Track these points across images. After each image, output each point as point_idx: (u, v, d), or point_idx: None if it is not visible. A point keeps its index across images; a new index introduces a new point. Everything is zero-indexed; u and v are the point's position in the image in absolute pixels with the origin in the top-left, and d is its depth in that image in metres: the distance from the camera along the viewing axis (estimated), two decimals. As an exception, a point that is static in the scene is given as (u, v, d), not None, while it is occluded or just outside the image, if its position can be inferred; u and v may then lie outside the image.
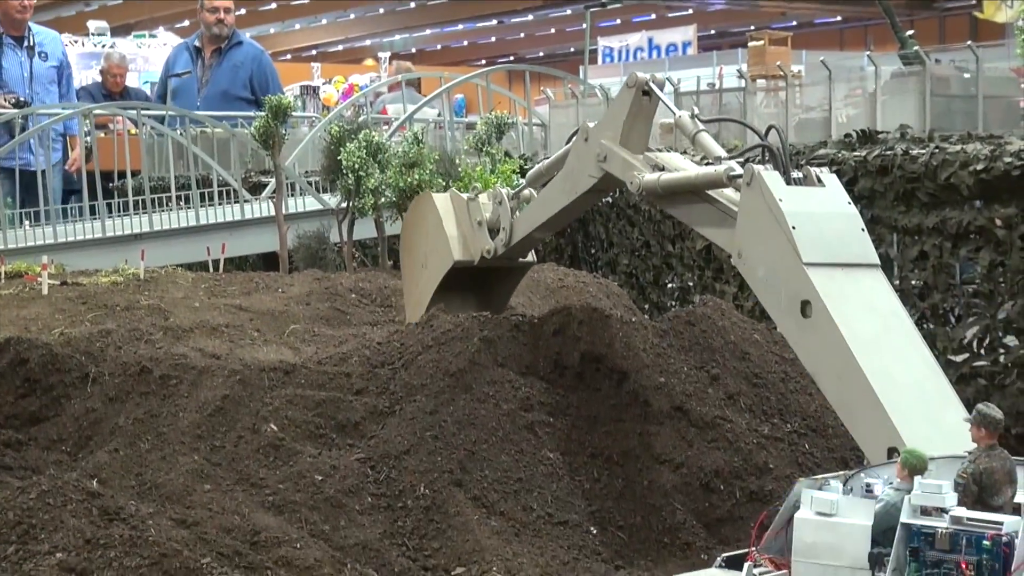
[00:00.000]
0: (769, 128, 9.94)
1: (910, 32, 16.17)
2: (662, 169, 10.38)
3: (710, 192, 9.97)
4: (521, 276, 12.83)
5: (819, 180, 9.55)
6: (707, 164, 10.11)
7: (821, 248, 9.13)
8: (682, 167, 10.40)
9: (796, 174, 9.50)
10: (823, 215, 9.30)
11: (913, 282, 12.76)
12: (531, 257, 12.57)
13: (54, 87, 20.21)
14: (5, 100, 18.96)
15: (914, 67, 13.91)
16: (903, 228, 12.51)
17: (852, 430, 8.81)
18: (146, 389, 10.80)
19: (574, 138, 11.36)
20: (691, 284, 14.57)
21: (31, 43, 19.91)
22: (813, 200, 9.37)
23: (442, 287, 12.19)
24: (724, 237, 9.92)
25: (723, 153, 10.20)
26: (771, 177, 9.32)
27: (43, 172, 17.18)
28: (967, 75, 13.30)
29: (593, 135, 10.98)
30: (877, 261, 9.38)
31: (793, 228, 9.07)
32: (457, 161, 15.91)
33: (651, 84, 10.71)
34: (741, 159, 9.92)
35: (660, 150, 10.97)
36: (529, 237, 11.83)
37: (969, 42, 13.77)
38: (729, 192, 9.86)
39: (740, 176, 9.53)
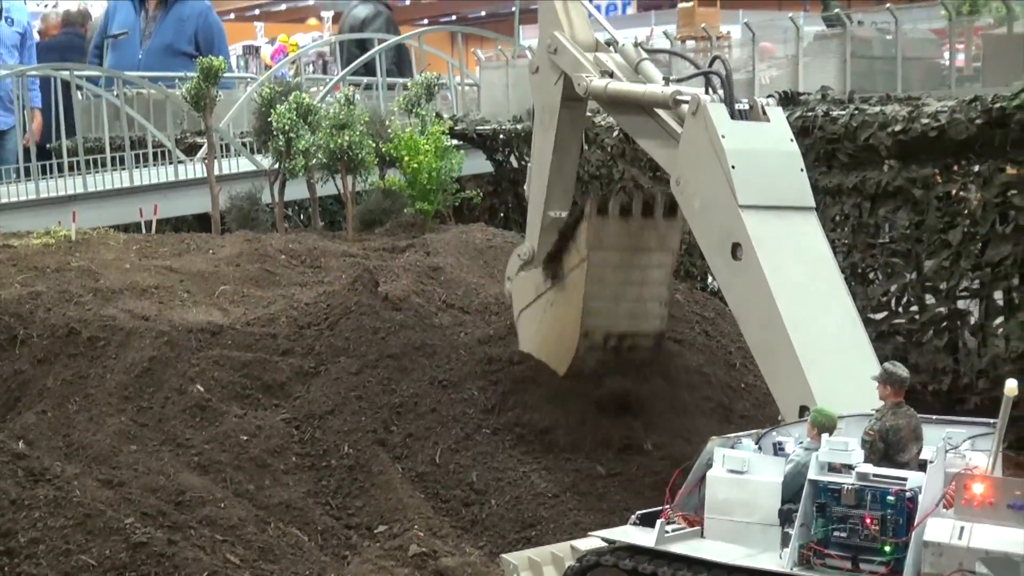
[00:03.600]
0: (714, 59, 9.83)
1: (834, -4, 16.28)
2: (611, 75, 10.24)
3: (656, 109, 9.83)
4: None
5: (764, 113, 9.44)
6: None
7: (758, 190, 9.07)
8: (645, 73, 10.27)
9: (742, 104, 9.37)
10: (764, 153, 9.24)
11: (838, 241, 12.82)
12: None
13: (17, 52, 20.20)
14: None
15: (836, 28, 13.96)
16: (824, 188, 12.57)
17: (769, 381, 8.89)
18: (74, 351, 10.81)
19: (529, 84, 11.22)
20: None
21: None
22: (756, 137, 9.28)
23: None
24: (664, 157, 9.82)
25: (645, 83, 10.08)
26: (716, 110, 9.21)
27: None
28: (888, 36, 13.36)
29: (539, 52, 10.91)
30: (812, 204, 9.36)
31: (733, 167, 9.00)
32: (387, 123, 15.93)
33: None
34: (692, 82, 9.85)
35: (610, 46, 10.77)
36: (551, 224, 11.22)
37: (888, 4, 13.77)
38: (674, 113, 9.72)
39: (686, 101, 9.39)
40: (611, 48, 10.66)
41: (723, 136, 9.05)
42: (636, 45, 10.41)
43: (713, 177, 9.08)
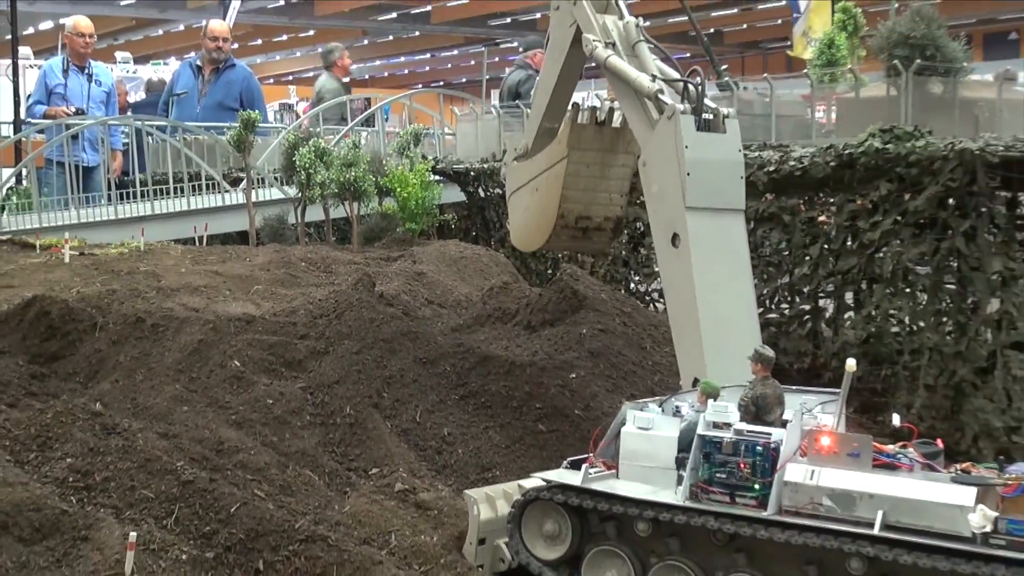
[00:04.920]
0: (692, 70, 9.24)
1: (725, 66, 16.28)
2: (614, 45, 9.48)
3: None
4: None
5: (723, 124, 8.88)
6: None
7: (704, 194, 8.65)
8: (639, 54, 9.52)
9: (708, 114, 8.85)
10: (716, 162, 8.74)
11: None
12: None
13: (103, 107, 20.15)
14: (68, 110, 19.07)
15: (726, 92, 13.99)
16: (716, 214, 12.58)
17: (677, 351, 8.75)
18: (141, 334, 10.78)
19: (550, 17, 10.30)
20: (559, 256, 14.58)
21: (90, 72, 20.00)
22: (712, 147, 8.75)
23: None
24: (639, 131, 9.23)
25: (655, 69, 9.35)
26: (686, 121, 8.68)
27: (70, 167, 17.02)
28: (766, 99, 13.39)
29: None
30: (743, 207, 8.97)
31: (688, 174, 8.57)
32: (384, 162, 15.95)
33: None
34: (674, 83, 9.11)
35: (620, 12, 9.86)
36: (545, 131, 10.55)
37: (766, 75, 13.84)
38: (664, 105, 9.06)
39: (666, 103, 8.83)
40: (619, 9, 9.89)
41: (687, 147, 8.62)
42: (637, 26, 9.61)
43: (671, 175, 8.69)
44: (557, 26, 10.19)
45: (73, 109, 19.29)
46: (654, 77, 9.17)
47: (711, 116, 8.91)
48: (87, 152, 18.87)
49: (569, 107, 10.14)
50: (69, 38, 19.97)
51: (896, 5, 12.71)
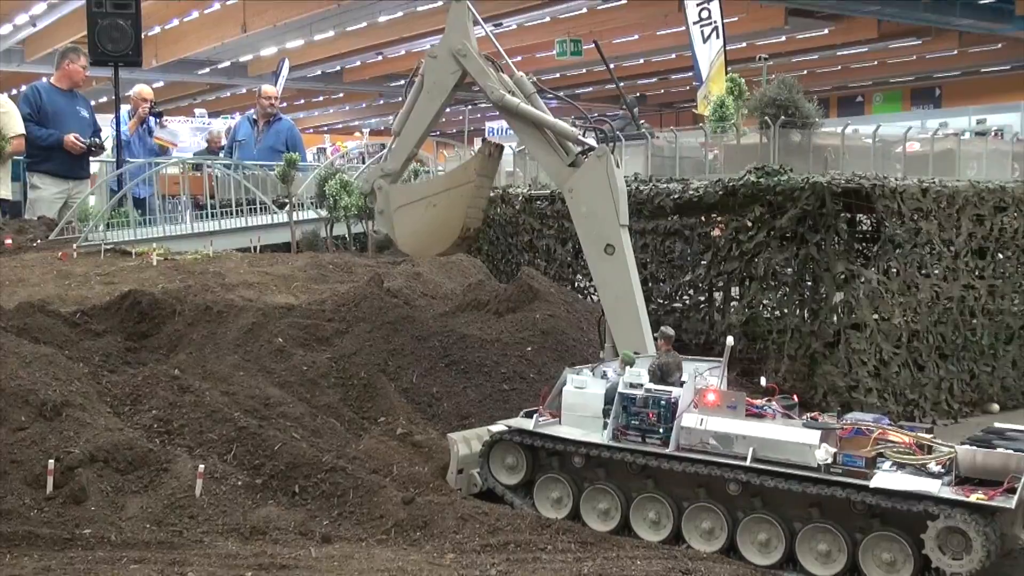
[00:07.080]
0: (599, 119, 9.07)
1: (643, 121, 16.31)
2: (512, 92, 8.90)
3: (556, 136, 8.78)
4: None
5: (618, 163, 8.78)
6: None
7: (624, 214, 8.68)
8: (536, 104, 8.95)
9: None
10: (621, 190, 8.73)
11: (648, 260, 12.83)
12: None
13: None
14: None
15: (643, 140, 14.01)
16: (638, 230, 12.60)
17: (615, 333, 8.67)
18: (209, 319, 10.73)
19: (420, 68, 9.34)
20: (521, 262, 14.56)
21: (149, 126, 19.96)
22: (619, 178, 8.73)
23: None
24: (550, 163, 8.89)
25: (549, 114, 8.86)
26: (612, 159, 8.61)
27: (151, 196, 16.93)
28: (673, 144, 13.42)
29: (442, 46, 9.12)
30: (628, 223, 8.85)
31: (618, 200, 8.57)
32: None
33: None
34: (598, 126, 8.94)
35: (493, 64, 9.05)
36: (410, 156, 9.87)
37: (672, 127, 13.92)
38: (568, 144, 8.79)
39: (592, 147, 8.60)
40: (509, 65, 9.14)
41: (616, 178, 8.58)
42: (533, 82, 9.03)
43: (604, 202, 8.58)
44: (435, 71, 9.36)
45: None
46: (572, 123, 9.00)
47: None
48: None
49: (476, 142, 9.76)
50: (135, 101, 19.85)
51: (772, 77, 12.74)
